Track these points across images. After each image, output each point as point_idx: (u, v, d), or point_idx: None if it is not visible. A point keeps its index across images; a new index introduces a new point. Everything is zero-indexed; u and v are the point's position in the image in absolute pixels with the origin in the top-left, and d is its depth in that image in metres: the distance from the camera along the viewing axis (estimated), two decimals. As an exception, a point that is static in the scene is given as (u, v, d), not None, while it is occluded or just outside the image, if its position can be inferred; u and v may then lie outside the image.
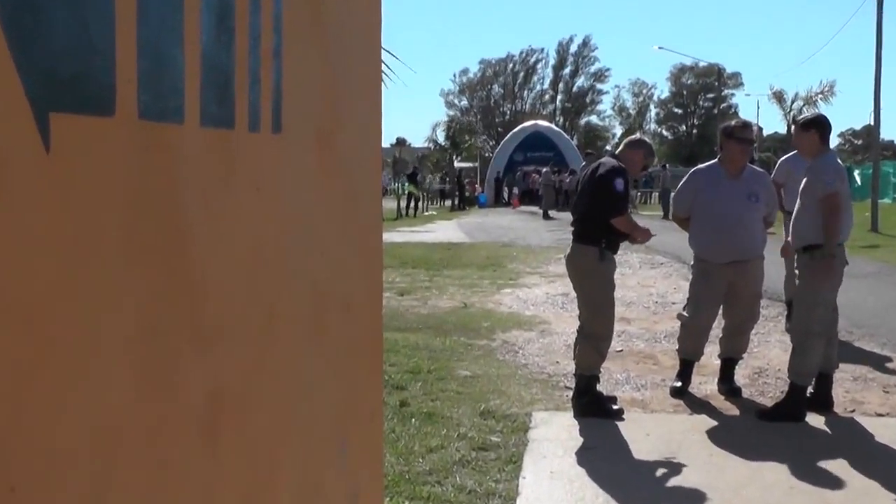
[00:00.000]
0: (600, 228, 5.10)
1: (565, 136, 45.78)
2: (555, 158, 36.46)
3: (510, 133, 44.38)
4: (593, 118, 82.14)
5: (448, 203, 38.51)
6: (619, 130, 79.10)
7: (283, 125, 1.49)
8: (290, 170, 1.57)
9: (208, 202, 1.29)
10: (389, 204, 29.80)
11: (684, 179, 5.90)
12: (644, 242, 5.48)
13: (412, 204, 30.77)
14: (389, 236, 17.51)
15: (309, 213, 1.65)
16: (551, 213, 26.92)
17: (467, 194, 38.02)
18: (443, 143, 45.64)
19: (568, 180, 29.74)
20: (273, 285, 1.50)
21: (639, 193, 35.45)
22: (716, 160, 5.76)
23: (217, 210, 1.31)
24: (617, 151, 5.49)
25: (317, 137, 1.67)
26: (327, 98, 1.72)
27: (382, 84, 2.20)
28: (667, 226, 6.14)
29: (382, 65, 2.46)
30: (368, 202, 2.00)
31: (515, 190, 40.25)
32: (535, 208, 31.88)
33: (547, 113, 75.73)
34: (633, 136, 5.60)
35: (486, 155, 62.36)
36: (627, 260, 13.04)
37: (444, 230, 21.56)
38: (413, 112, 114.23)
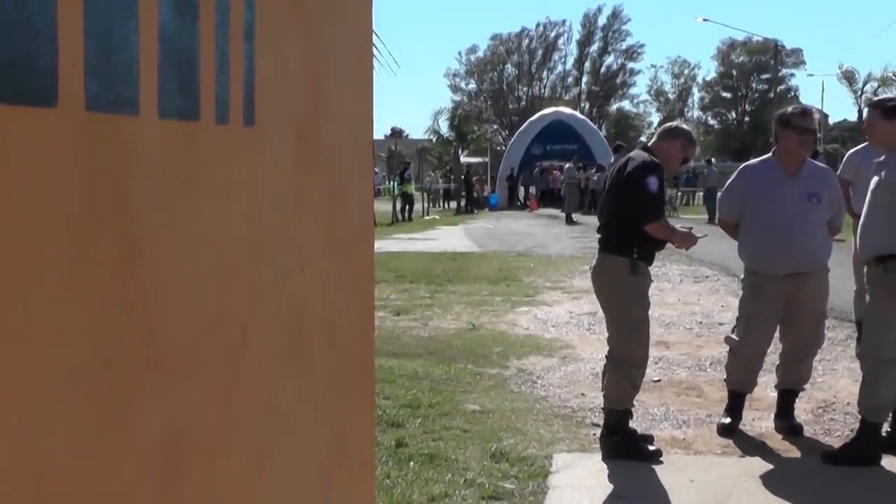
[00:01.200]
0: (631, 235, 5.10)
1: (592, 125, 45.83)
2: (579, 152, 36.49)
3: (526, 122, 44.46)
4: (625, 104, 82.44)
5: (453, 205, 38.56)
6: (655, 118, 79.24)
7: (256, 116, 1.51)
8: (265, 168, 1.58)
9: (168, 207, 1.30)
10: (383, 206, 29.86)
11: (733, 177, 5.90)
12: (687, 248, 5.48)
13: (407, 206, 30.83)
14: (383, 245, 17.54)
15: (287, 220, 1.66)
16: (575, 216, 26.97)
17: (476, 194, 38.09)
18: (446, 135, 45.74)
19: (595, 178, 29.77)
20: (244, 305, 1.51)
21: (679, 193, 35.45)
22: (770, 154, 5.77)
23: (178, 216, 1.32)
24: (650, 143, 5.50)
25: (296, 130, 1.68)
26: (309, 84, 1.73)
27: (374, 65, 2.21)
28: (713, 231, 6.15)
29: (374, 43, 2.47)
30: (358, 205, 2.02)
31: (532, 189, 40.28)
32: (556, 211, 31.90)
33: (570, 98, 75.87)
34: (670, 124, 5.60)
35: (498, 148, 62.36)
36: (665, 272, 13.03)
37: (449, 237, 21.58)
38: (411, 97, 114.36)
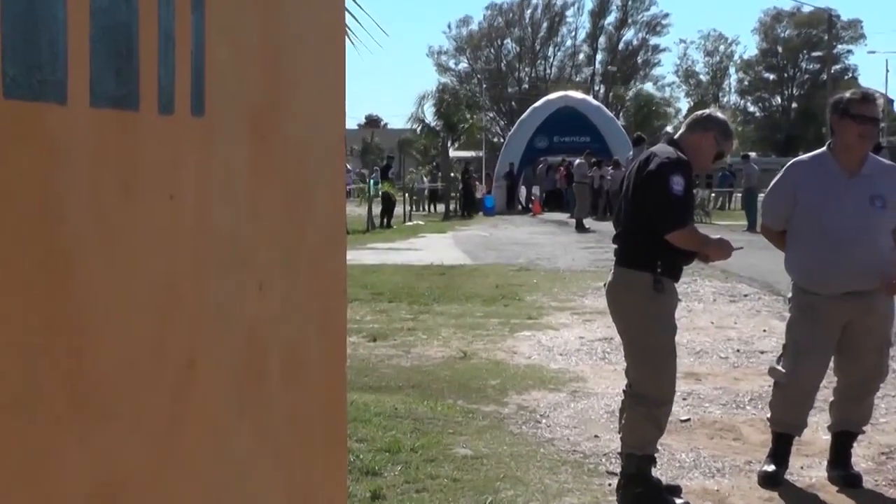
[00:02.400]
0: (654, 246, 5.12)
1: (608, 112, 45.95)
2: (592, 145, 36.60)
3: (529, 109, 44.49)
4: (648, 87, 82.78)
5: (440, 208, 38.61)
6: (684, 105, 79.66)
7: (206, 105, 1.52)
8: (217, 167, 1.59)
9: (101, 213, 1.30)
10: (356, 210, 29.87)
11: (779, 175, 5.93)
12: (724, 259, 5.48)
13: (386, 210, 30.82)
14: (357, 256, 17.55)
15: (242, 228, 1.67)
16: (587, 222, 27.07)
17: (474, 195, 38.12)
18: (432, 124, 45.75)
19: (610, 176, 29.88)
20: (191, 332, 1.52)
21: (712, 195, 35.60)
22: (824, 148, 5.80)
23: (114, 224, 1.33)
24: (677, 135, 5.52)
25: (254, 121, 1.69)
26: (269, 65, 1.75)
27: (347, 43, 2.23)
28: (754, 241, 6.17)
29: (347, 16, 2.49)
30: (327, 209, 2.03)
31: (536, 190, 40.35)
32: (564, 216, 31.98)
33: (581, 80, 76.16)
34: (701, 113, 5.62)
35: (495, 140, 62.44)
36: (696, 290, 13.08)
37: (435, 247, 21.61)
38: (391, 79, 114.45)
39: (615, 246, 5.39)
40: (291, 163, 1.86)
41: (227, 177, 1.62)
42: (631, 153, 22.23)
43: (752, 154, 34.43)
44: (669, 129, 63.88)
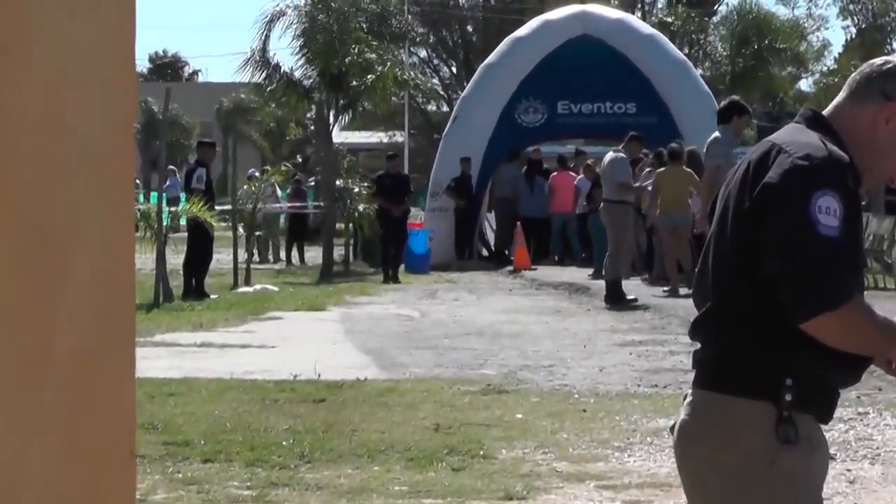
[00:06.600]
0: (780, 344, 5.14)
1: (674, 50, 46.35)
2: (644, 120, 36.99)
3: (507, 41, 44.82)
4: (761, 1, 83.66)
5: (314, 257, 38.84)
6: (838, 37, 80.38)
7: None
8: None
9: None
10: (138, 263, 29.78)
11: None
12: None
13: (196, 258, 30.78)
14: (142, 362, 17.59)
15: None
16: (629, 286, 27.26)
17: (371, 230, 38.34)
18: (295, 74, 45.49)
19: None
20: None
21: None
22: None
23: None
24: (827, 109, 5.58)
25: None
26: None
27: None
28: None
29: None
30: (100, 274, 2.04)
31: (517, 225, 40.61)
32: (581, 274, 32.25)
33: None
34: (880, 64, 5.69)
35: (434, 109, 62.66)
36: (867, 435, 13.19)
37: (304, 340, 21.69)
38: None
39: (696, 343, 5.42)
40: (22, 177, 1.87)
41: None
42: (714, 137, 22.37)
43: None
44: (805, 85, 63.64)
